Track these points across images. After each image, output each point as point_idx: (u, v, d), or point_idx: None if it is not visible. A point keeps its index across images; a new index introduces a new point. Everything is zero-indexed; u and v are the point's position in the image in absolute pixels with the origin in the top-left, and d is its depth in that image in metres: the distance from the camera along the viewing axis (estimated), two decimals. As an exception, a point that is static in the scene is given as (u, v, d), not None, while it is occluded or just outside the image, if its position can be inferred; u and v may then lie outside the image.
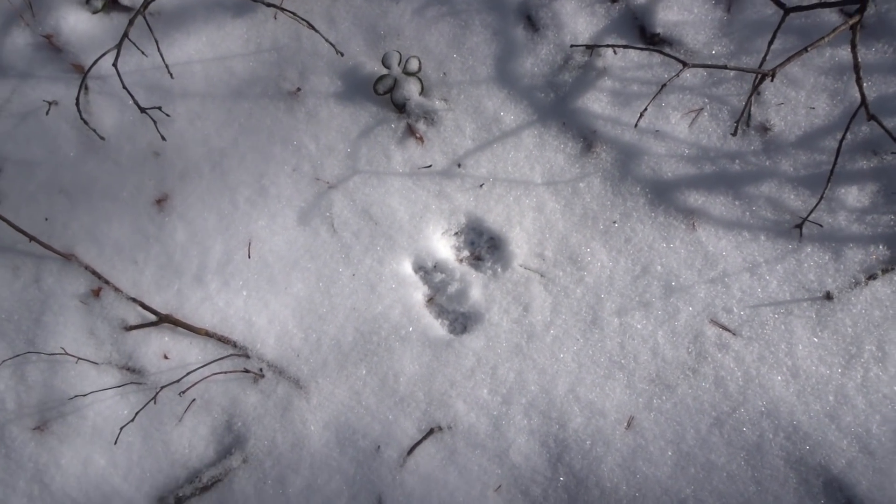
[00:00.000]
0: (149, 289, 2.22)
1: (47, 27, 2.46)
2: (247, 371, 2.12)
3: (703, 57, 2.34)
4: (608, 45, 2.17)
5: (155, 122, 1.99)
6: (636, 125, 2.17)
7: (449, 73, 2.45)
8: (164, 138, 2.00)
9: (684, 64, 1.99)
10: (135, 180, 2.32)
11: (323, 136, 2.40)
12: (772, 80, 2.06)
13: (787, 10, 2.07)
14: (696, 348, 2.15)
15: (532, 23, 2.47)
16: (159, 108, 1.98)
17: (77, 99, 2.02)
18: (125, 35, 2.00)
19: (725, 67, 1.98)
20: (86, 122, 2.08)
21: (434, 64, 2.46)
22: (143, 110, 1.94)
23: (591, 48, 2.29)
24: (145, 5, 2.07)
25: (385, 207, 2.33)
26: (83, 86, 2.03)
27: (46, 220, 2.27)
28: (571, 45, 2.28)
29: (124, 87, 1.96)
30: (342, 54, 2.17)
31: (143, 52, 2.05)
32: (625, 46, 2.14)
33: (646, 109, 2.06)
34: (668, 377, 2.14)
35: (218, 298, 2.22)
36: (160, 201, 2.30)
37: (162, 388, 2.07)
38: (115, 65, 1.99)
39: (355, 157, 2.38)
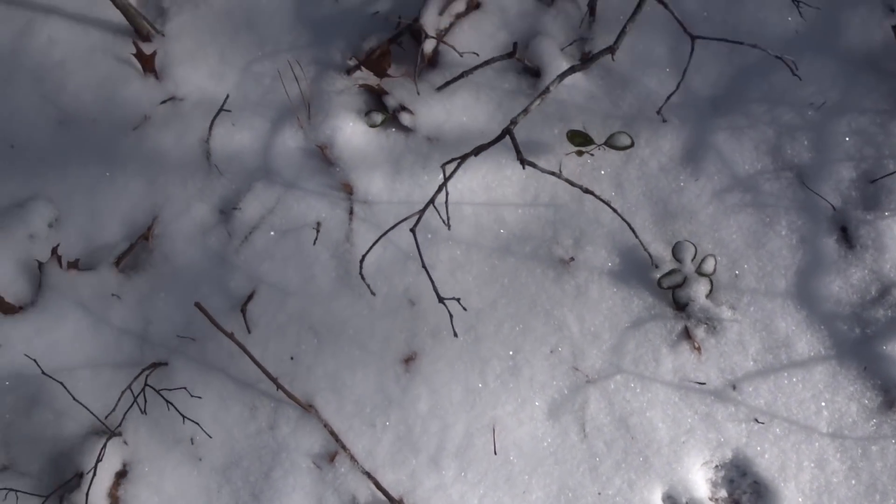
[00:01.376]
0: (383, 462, 2.02)
1: (321, 135, 2.26)
2: None
3: None
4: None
5: (451, 315, 1.77)
6: None
7: (742, 275, 2.16)
8: (456, 334, 1.79)
9: None
10: (385, 330, 2.11)
11: (589, 318, 2.15)
12: None
13: None
14: None
15: (847, 237, 2.16)
16: (457, 300, 1.76)
17: (361, 261, 1.82)
18: (430, 202, 1.80)
19: None
20: (363, 278, 1.88)
21: (726, 261, 2.17)
22: (441, 300, 1.73)
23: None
24: (447, 179, 1.85)
25: (645, 420, 2.07)
26: (369, 249, 1.83)
27: (292, 359, 2.10)
28: (919, 306, 1.94)
29: (423, 267, 1.74)
30: (657, 266, 1.90)
31: (443, 219, 1.83)
32: None
33: None
34: None
35: (452, 489, 2.01)
36: (408, 360, 2.09)
37: None
38: (412, 230, 1.79)
39: (621, 351, 2.12)
